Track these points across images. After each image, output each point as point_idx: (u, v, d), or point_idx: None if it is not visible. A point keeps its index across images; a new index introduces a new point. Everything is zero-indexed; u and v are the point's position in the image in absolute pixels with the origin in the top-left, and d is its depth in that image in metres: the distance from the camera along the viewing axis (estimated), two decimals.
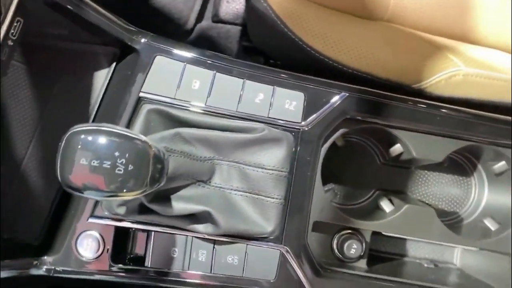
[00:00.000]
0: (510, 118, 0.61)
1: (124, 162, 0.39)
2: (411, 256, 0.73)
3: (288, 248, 0.57)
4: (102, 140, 0.39)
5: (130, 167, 0.40)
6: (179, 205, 0.53)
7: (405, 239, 0.73)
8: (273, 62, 0.88)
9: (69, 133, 0.40)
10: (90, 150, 0.39)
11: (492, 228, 0.65)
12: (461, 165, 0.72)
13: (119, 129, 0.41)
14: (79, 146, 0.40)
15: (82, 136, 0.39)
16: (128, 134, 0.41)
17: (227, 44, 0.95)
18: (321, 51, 0.63)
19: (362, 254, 0.63)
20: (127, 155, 0.39)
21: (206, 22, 0.94)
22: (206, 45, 0.93)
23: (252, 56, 0.94)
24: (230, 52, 0.95)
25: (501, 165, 0.65)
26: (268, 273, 0.57)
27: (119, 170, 0.39)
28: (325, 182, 0.68)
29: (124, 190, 0.41)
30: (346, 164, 0.71)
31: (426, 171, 0.73)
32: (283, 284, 0.57)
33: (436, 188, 0.73)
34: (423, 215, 0.61)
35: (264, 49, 0.84)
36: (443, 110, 0.60)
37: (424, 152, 0.61)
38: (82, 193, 0.42)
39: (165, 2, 0.87)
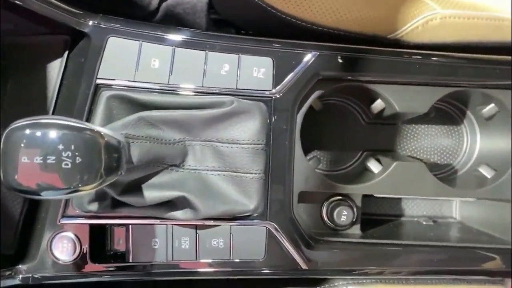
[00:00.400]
0: (494, 57, 0.57)
1: (70, 155, 0.36)
2: (408, 215, 0.70)
3: (274, 224, 0.54)
4: (43, 134, 0.36)
5: (78, 159, 0.36)
6: (152, 194, 0.50)
7: (400, 199, 0.70)
8: (244, 33, 0.84)
9: (7, 130, 0.36)
10: (32, 147, 0.35)
11: (488, 176, 0.62)
12: (449, 114, 0.69)
13: (62, 119, 0.37)
14: (21, 144, 0.36)
15: (21, 133, 0.36)
16: (72, 124, 0.37)
17: (196, 20, 0.91)
18: (283, 10, 0.59)
19: (354, 220, 0.60)
20: (72, 147, 0.36)
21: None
22: (173, 23, 0.89)
23: (223, 28, 0.90)
24: (199, 27, 0.91)
25: (490, 108, 0.61)
26: (256, 253, 0.55)
27: (66, 164, 0.36)
28: (307, 150, 0.65)
29: (79, 185, 0.37)
30: (329, 128, 0.67)
31: (413, 125, 0.69)
32: (273, 261, 0.55)
33: (426, 141, 0.69)
34: (413, 171, 0.58)
35: (231, 18, 0.80)
36: (422, 58, 0.56)
37: (407, 105, 0.57)
38: (39, 194, 0.38)
39: None
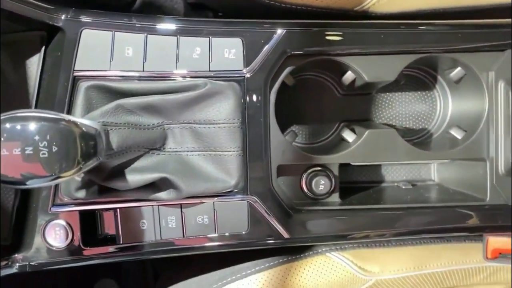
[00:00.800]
0: (455, 22, 0.59)
1: (46, 145, 0.38)
2: (389, 181, 0.73)
3: (255, 197, 0.57)
4: (21, 126, 0.38)
5: (54, 148, 0.38)
6: (135, 177, 0.52)
7: (379, 166, 0.73)
8: (217, 15, 0.86)
9: None
10: (11, 140, 0.38)
11: (459, 137, 0.64)
12: (421, 80, 0.71)
13: (37, 112, 0.39)
14: (1, 138, 0.38)
15: (1, 127, 0.38)
16: (47, 116, 0.39)
17: (173, 6, 0.92)
18: None
19: (332, 188, 0.62)
20: (48, 137, 0.38)
21: None
22: (151, 11, 0.90)
23: (200, 12, 0.92)
24: (178, 13, 0.92)
25: (457, 71, 0.63)
26: (240, 226, 0.57)
27: (43, 154, 0.38)
28: (285, 124, 0.67)
29: (57, 171, 0.40)
30: (305, 103, 0.70)
31: (387, 94, 0.71)
32: (257, 233, 0.57)
33: (401, 108, 0.71)
34: (385, 138, 0.60)
35: (205, 1, 0.81)
36: (385, 28, 0.58)
37: (375, 74, 0.59)
38: (25, 184, 0.41)
39: None
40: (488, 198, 0.62)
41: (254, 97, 0.56)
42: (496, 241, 0.63)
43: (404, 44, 0.58)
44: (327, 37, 0.57)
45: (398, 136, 0.60)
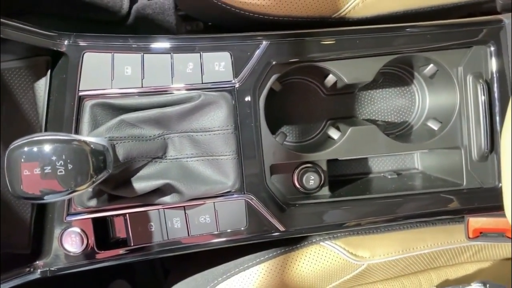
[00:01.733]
0: (424, 23, 0.64)
1: (62, 164, 0.43)
2: (375, 171, 0.78)
3: (251, 195, 0.62)
4: (38, 149, 0.44)
5: (70, 166, 0.44)
6: (141, 185, 0.58)
7: (366, 158, 0.78)
8: (205, 29, 0.91)
9: (8, 150, 0.44)
10: (31, 161, 0.43)
11: (435, 128, 0.69)
12: (400, 76, 0.76)
13: (52, 135, 0.45)
14: (22, 160, 0.44)
15: (20, 150, 0.44)
16: (61, 138, 0.45)
17: (165, 18, 0.97)
18: (237, 6, 0.65)
19: (322, 183, 0.68)
20: (63, 156, 0.44)
21: (141, 1, 0.95)
22: (145, 24, 0.95)
23: (192, 23, 0.96)
24: (170, 25, 0.97)
25: (430, 68, 0.68)
26: (240, 222, 0.63)
27: (60, 171, 0.44)
28: (276, 126, 0.72)
29: (73, 186, 0.45)
30: (293, 105, 0.75)
31: (369, 91, 0.76)
32: (255, 227, 0.63)
33: (383, 103, 0.77)
34: (367, 133, 0.65)
35: (194, 15, 0.86)
36: (359, 34, 0.63)
37: (353, 76, 0.64)
38: (43, 199, 0.46)
39: None
40: (464, 183, 0.67)
41: (245, 105, 0.61)
42: (476, 222, 0.69)
43: (378, 47, 0.63)
44: (308, 46, 0.63)
45: (379, 131, 0.65)
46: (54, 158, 0.44)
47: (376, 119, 0.77)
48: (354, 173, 0.78)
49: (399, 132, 0.76)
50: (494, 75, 0.64)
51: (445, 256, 0.76)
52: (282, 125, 0.75)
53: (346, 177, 0.77)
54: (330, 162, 0.71)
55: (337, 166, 0.77)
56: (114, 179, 0.56)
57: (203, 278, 0.70)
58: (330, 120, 0.75)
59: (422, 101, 0.75)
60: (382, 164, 0.78)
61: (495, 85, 0.64)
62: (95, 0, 0.88)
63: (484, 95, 0.63)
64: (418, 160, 0.78)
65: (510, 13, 0.63)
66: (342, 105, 0.76)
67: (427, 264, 0.75)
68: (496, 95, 0.64)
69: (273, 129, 0.70)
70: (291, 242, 0.69)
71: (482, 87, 0.63)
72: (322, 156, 0.66)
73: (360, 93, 0.76)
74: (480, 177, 0.66)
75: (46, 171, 0.43)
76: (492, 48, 0.64)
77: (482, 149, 0.64)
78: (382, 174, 0.77)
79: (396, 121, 0.77)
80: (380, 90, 0.77)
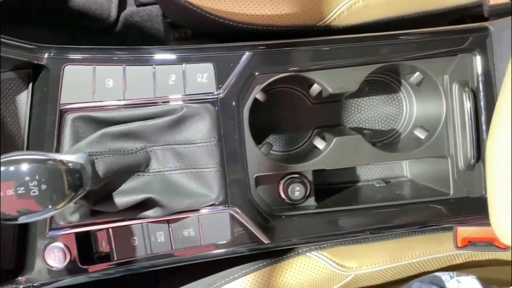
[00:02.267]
0: (408, 31, 0.64)
1: (36, 184, 0.43)
2: (364, 180, 0.77)
3: (235, 208, 0.61)
4: (12, 168, 0.43)
5: (43, 186, 0.43)
6: (122, 200, 0.57)
7: (354, 167, 0.77)
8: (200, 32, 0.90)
9: None
10: (5, 180, 0.43)
11: (422, 137, 0.68)
12: (387, 84, 0.75)
13: (27, 154, 0.44)
14: None
15: None
16: (36, 157, 0.44)
17: (153, 25, 0.97)
18: (221, 15, 0.65)
19: (308, 193, 0.67)
20: (37, 177, 0.43)
21: (129, 9, 0.95)
22: (133, 31, 0.95)
23: (180, 30, 0.96)
24: (158, 32, 0.96)
25: (416, 76, 0.68)
26: (223, 235, 0.62)
27: (33, 192, 0.43)
28: (262, 136, 0.72)
29: (50, 205, 0.45)
30: (279, 114, 0.74)
31: (356, 99, 0.76)
32: (239, 240, 0.62)
33: (370, 111, 0.76)
34: (352, 143, 0.65)
35: (181, 23, 0.86)
36: (343, 43, 0.62)
37: (338, 86, 0.64)
38: (17, 219, 0.46)
39: (83, 1, 0.87)
40: (451, 192, 0.66)
41: (228, 116, 0.61)
42: (465, 231, 0.68)
43: (363, 56, 0.63)
44: (291, 56, 0.62)
45: (364, 141, 0.65)
46: (27, 178, 0.43)
47: (364, 127, 0.76)
48: (342, 181, 0.77)
49: (386, 140, 0.75)
50: (480, 84, 0.63)
51: (436, 263, 0.75)
52: (269, 135, 0.74)
53: (333, 186, 0.76)
54: (317, 171, 0.71)
55: (325, 175, 0.76)
56: (94, 194, 0.56)
57: None
58: (317, 128, 0.75)
59: (409, 109, 0.75)
60: (371, 172, 0.78)
61: (481, 93, 0.63)
62: (83, 8, 0.88)
63: (469, 103, 0.62)
64: (407, 168, 0.78)
65: (495, 21, 0.63)
66: (329, 114, 0.75)
67: (418, 270, 0.75)
68: (482, 103, 0.63)
69: (259, 139, 0.70)
70: (277, 253, 0.68)
71: (467, 95, 0.62)
72: (307, 167, 0.66)
73: (347, 101, 0.75)
74: (467, 187, 0.66)
75: (19, 191, 0.43)
76: (478, 56, 0.63)
77: (468, 158, 0.64)
78: (370, 183, 0.77)
79: (383, 129, 0.76)
80: (368, 98, 0.76)
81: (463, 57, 0.64)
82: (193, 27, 0.86)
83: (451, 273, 0.60)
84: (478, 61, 0.63)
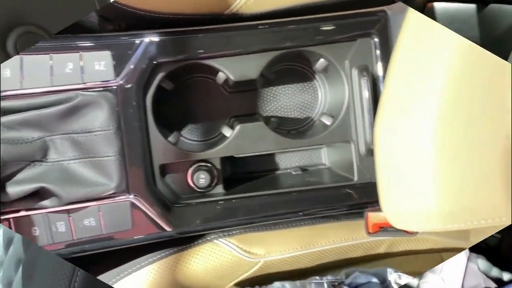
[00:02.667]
0: (307, 17, 0.64)
1: None
2: (282, 168, 0.77)
3: (137, 196, 0.61)
4: None
5: None
6: (15, 189, 0.57)
7: (272, 154, 0.77)
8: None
9: None
10: None
11: (328, 123, 0.69)
12: (302, 72, 0.75)
13: None
14: None
15: None
16: None
17: (88, 18, 0.96)
18: (120, 1, 0.64)
19: (215, 181, 0.67)
20: None
21: None
22: (72, 26, 0.94)
23: (114, 23, 0.95)
24: (93, 25, 0.96)
25: (321, 62, 0.68)
26: (124, 224, 0.62)
27: None
28: (177, 126, 0.71)
29: None
30: (195, 103, 0.73)
31: (272, 88, 0.75)
32: (141, 228, 0.62)
33: (286, 100, 0.76)
34: (255, 130, 0.65)
35: (102, 13, 0.85)
36: (241, 30, 0.62)
37: (239, 73, 0.64)
38: None
39: None
40: (355, 178, 0.67)
41: (128, 104, 0.61)
42: (375, 217, 0.68)
43: (261, 44, 0.63)
44: (190, 43, 0.62)
45: (266, 128, 0.65)
46: None
47: (280, 115, 0.76)
48: (259, 170, 0.77)
49: (302, 128, 0.75)
50: (380, 68, 0.64)
51: (357, 250, 0.75)
52: (186, 124, 0.74)
53: (250, 175, 0.76)
54: (233, 159, 0.71)
55: (240, 164, 0.76)
56: None
57: (101, 279, 0.69)
58: (234, 118, 0.74)
59: (324, 96, 0.75)
60: (289, 160, 0.78)
61: (381, 78, 0.64)
62: None
63: (367, 89, 0.63)
64: (325, 156, 0.78)
65: (393, 5, 0.63)
66: (245, 103, 0.75)
67: (338, 257, 0.75)
68: (382, 88, 0.64)
69: (171, 129, 0.69)
70: (188, 241, 0.68)
71: (365, 80, 0.63)
72: (213, 154, 0.66)
73: (264, 90, 0.75)
74: (369, 172, 0.66)
75: None
76: (376, 40, 0.64)
77: (368, 143, 0.64)
78: (288, 171, 0.77)
79: (300, 117, 0.76)
80: (284, 86, 0.76)
81: (363, 42, 0.65)
82: (113, 18, 0.85)
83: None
84: (376, 46, 0.64)
